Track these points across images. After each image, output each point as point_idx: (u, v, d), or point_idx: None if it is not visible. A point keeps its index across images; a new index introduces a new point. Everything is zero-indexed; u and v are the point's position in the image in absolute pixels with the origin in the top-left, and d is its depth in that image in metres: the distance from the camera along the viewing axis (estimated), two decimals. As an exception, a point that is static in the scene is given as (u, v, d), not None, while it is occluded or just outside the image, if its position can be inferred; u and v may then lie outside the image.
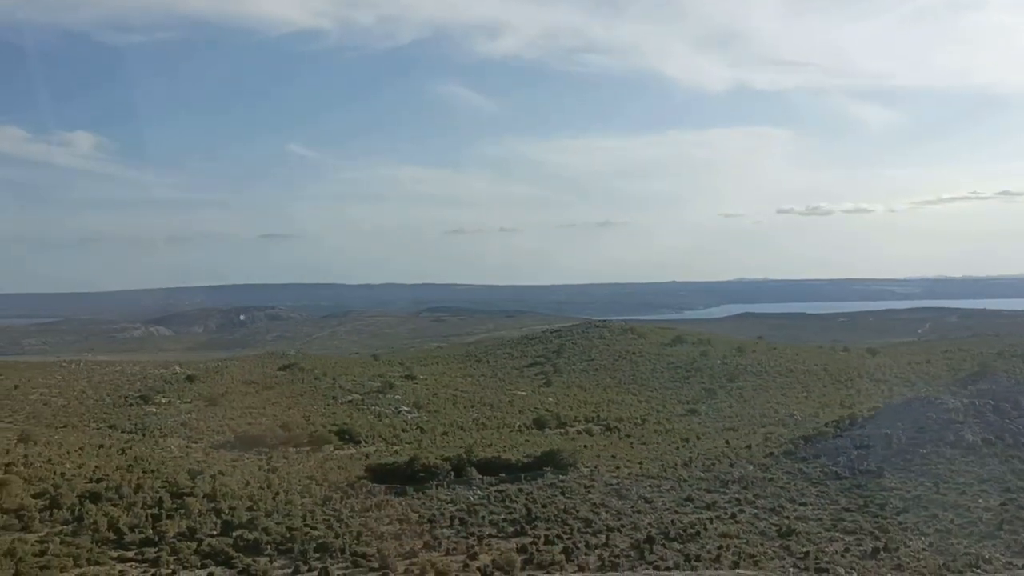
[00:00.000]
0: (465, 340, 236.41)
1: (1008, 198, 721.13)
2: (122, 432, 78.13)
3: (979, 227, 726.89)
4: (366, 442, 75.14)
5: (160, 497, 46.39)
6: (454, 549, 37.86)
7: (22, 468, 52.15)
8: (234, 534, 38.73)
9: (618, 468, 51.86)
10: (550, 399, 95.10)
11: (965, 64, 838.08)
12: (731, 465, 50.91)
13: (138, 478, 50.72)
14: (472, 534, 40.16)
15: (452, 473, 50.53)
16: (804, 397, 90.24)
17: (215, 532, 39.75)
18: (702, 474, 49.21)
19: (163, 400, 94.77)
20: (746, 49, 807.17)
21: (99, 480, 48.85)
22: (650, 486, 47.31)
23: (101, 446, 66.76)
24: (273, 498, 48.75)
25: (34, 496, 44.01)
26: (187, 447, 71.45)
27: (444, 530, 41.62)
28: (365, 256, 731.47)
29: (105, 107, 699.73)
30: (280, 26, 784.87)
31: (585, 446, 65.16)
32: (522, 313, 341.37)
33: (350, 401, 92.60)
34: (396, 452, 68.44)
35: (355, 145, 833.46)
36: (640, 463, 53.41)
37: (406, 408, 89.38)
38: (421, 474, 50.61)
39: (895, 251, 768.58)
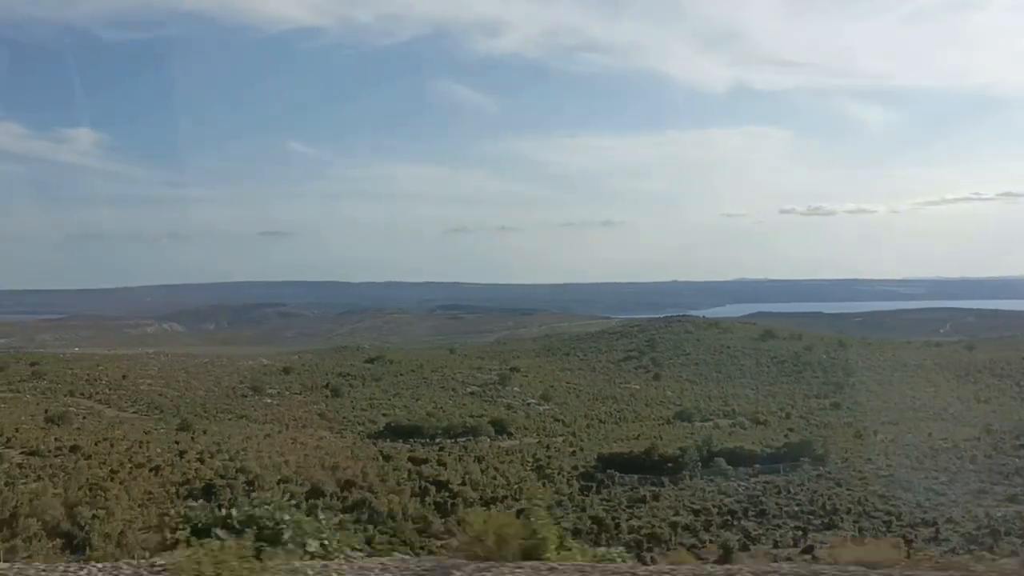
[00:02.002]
0: (486, 338, 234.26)
1: (1010, 199, 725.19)
2: (261, 423, 75.56)
3: (980, 228, 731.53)
4: (517, 434, 72.93)
5: (425, 487, 44.09)
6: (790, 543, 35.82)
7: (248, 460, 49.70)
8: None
9: (869, 460, 49.88)
10: (669, 392, 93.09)
11: (966, 64, 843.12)
12: (988, 456, 49.09)
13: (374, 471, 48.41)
14: (796, 527, 38.13)
15: (699, 464, 48.44)
16: (933, 392, 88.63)
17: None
18: (971, 466, 47.31)
19: (273, 391, 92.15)
20: (746, 49, 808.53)
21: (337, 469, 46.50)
22: (926, 477, 45.37)
23: (267, 436, 64.24)
24: (515, 484, 46.53)
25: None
26: (337, 438, 69.03)
27: (748, 522, 39.57)
28: (366, 254, 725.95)
29: (105, 104, 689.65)
30: (280, 23, 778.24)
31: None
32: (537, 311, 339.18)
33: (472, 393, 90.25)
34: (572, 444, 66.28)
35: (355, 143, 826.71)
36: (886, 455, 51.39)
37: (533, 400, 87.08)
38: (668, 464, 48.49)
39: (897, 251, 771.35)
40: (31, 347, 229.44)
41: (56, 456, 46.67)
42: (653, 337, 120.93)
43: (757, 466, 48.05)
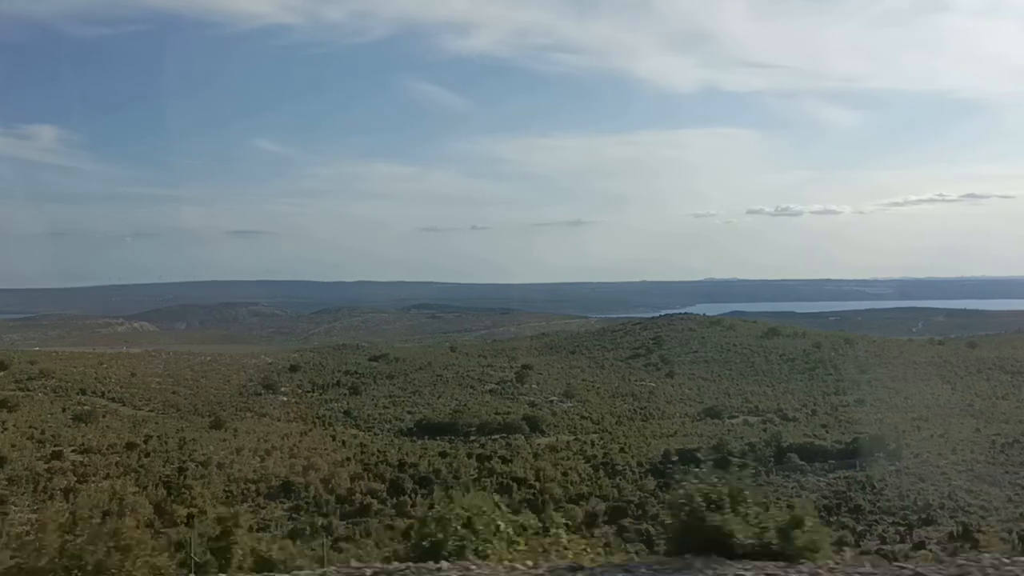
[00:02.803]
0: (468, 337, 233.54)
1: (973, 201, 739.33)
2: (286, 421, 73.82)
3: (945, 229, 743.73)
4: (549, 431, 71.93)
5: (506, 483, 42.88)
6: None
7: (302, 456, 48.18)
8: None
9: (940, 454, 49.55)
10: (687, 390, 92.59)
11: (931, 67, 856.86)
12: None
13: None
14: (894, 523, 37.55)
15: (772, 460, 47.77)
16: (950, 389, 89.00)
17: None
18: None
19: (285, 389, 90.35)
20: (716, 50, 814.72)
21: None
22: (1006, 472, 45.11)
23: (304, 433, 62.66)
24: (588, 481, 45.52)
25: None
26: (369, 436, 67.58)
27: (844, 518, 38.92)
28: (336, 253, 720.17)
29: (69, 100, 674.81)
30: (249, 20, 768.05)
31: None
32: (513, 311, 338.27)
33: (491, 391, 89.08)
34: (612, 441, 65.47)
35: (325, 141, 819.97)
36: (953, 451, 51.06)
37: (555, 398, 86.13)
38: (741, 460, 47.66)
39: (863, 252, 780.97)
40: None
41: (112, 454, 44.81)
42: (658, 335, 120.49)
43: (832, 462, 47.44)
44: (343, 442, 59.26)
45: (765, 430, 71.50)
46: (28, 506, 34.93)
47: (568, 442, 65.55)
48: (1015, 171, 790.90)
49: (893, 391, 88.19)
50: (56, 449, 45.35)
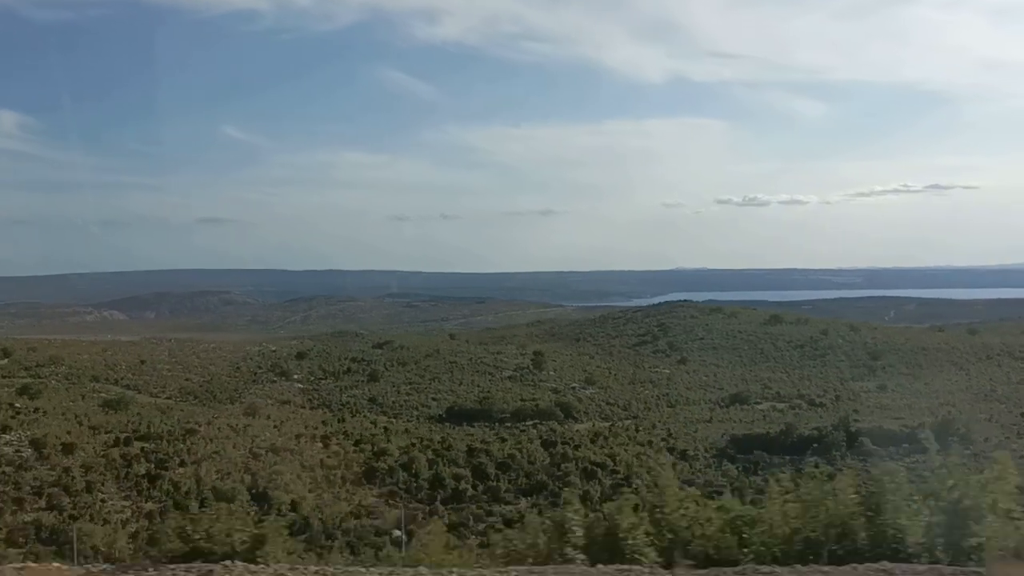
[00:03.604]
0: (447, 325, 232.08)
1: (937, 191, 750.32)
2: (311, 408, 72.30)
3: (909, 219, 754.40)
4: (582, 417, 71.15)
5: (590, 469, 41.90)
6: None
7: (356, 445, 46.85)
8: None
9: (1008, 438, 49.38)
10: (703, 376, 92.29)
11: (896, 59, 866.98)
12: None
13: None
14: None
15: (845, 444, 47.27)
16: (965, 375, 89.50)
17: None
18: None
19: (298, 376, 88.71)
20: (684, 40, 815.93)
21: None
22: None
23: (340, 420, 61.17)
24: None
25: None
26: (403, 423, 66.26)
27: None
28: (306, 242, 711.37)
29: (31, 86, 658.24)
30: (215, 6, 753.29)
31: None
32: (490, 300, 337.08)
33: (510, 377, 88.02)
34: (654, 426, 64.77)
35: (294, 129, 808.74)
36: (1019, 434, 50.93)
37: (577, 384, 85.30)
38: (814, 445, 47.20)
39: (830, 241, 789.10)
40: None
41: (176, 442, 43.04)
42: (662, 322, 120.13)
43: (905, 446, 46.92)
44: (385, 428, 57.80)
45: (797, 415, 71.38)
46: (117, 492, 33.25)
47: (609, 427, 64.65)
48: (978, 162, 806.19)
49: (911, 377, 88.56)
50: (113, 435, 43.49)
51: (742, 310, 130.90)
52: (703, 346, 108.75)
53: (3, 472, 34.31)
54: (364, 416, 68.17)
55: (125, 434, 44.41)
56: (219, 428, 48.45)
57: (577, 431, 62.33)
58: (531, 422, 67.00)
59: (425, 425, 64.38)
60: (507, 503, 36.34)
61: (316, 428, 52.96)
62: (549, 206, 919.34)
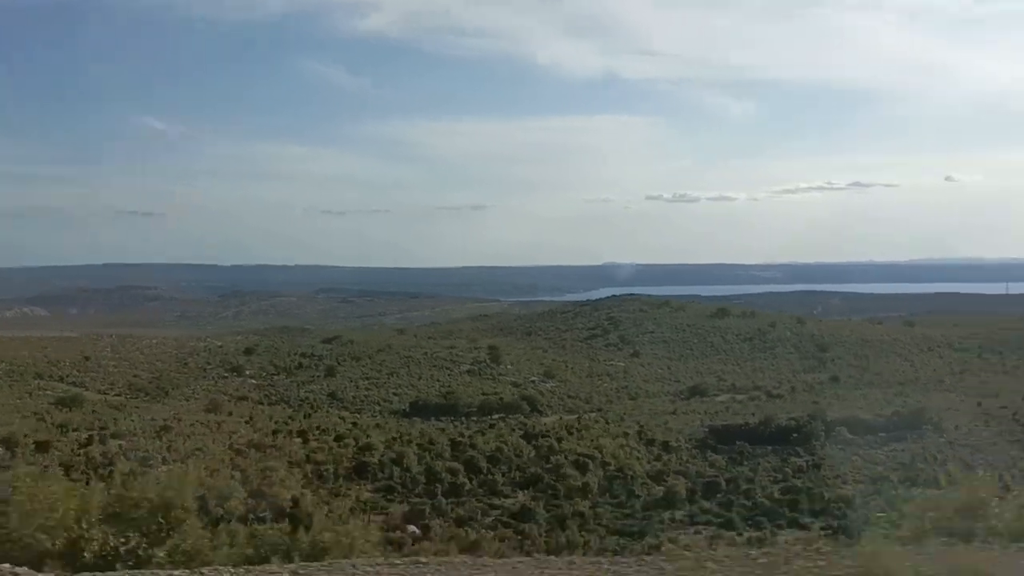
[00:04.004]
0: (386, 320, 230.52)
1: (859, 188, 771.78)
2: (270, 404, 70.58)
3: (832, 215, 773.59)
4: (546, 411, 70.85)
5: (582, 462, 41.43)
6: None
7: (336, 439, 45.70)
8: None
9: (977, 426, 50.42)
10: (658, 369, 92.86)
11: (820, 60, 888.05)
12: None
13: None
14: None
15: (823, 434, 47.70)
16: (910, 365, 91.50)
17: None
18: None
19: (251, 371, 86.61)
20: (615, 38, 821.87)
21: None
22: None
23: (309, 414, 59.71)
24: (657, 461, 44.53)
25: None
26: (371, 418, 65.06)
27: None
28: (233, 235, 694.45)
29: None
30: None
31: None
32: (424, 295, 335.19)
33: (468, 372, 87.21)
34: (619, 419, 64.67)
35: (220, 121, 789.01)
36: (986, 423, 51.95)
37: (536, 378, 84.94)
38: (793, 435, 47.51)
39: (756, 237, 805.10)
40: None
41: (153, 439, 41.30)
42: (611, 316, 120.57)
43: (882, 435, 47.66)
44: (354, 424, 56.59)
45: (759, 407, 72.09)
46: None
47: (577, 420, 64.38)
48: (898, 160, 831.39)
49: (860, 368, 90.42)
50: (84, 433, 41.55)
51: (689, 304, 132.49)
52: (654, 339, 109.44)
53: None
54: (326, 411, 66.77)
55: (92, 432, 42.48)
56: (191, 424, 46.73)
57: (546, 424, 61.96)
58: (497, 416, 66.48)
59: (392, 420, 63.29)
60: (506, 496, 35.70)
61: (288, 424, 51.47)
62: (479, 201, 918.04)
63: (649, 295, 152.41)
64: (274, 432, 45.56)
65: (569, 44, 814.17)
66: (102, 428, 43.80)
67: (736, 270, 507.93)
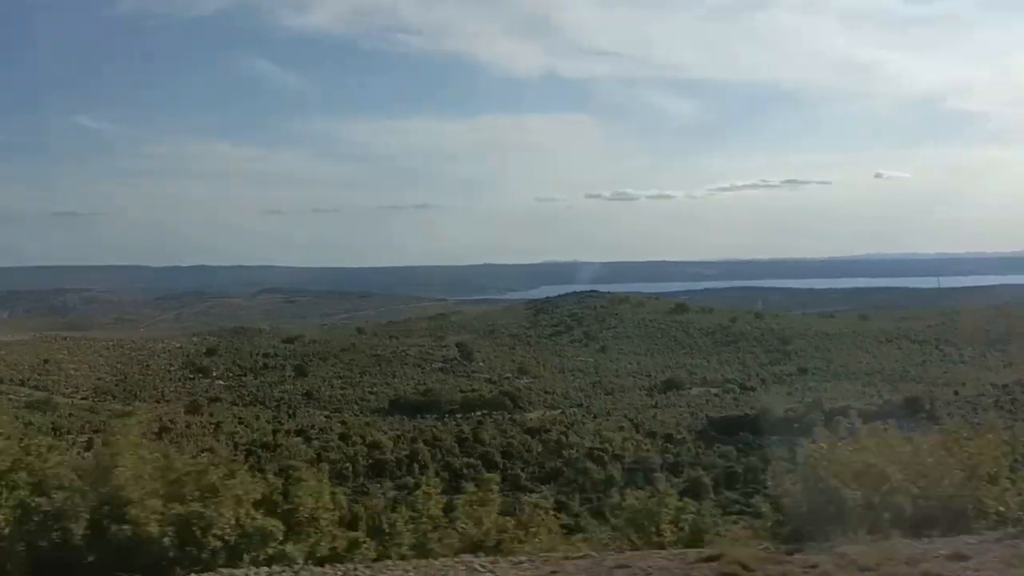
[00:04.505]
0: (330, 320, 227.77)
1: (793, 186, 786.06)
2: (244, 405, 69.01)
3: (767, 213, 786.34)
4: (529, 407, 70.57)
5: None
6: None
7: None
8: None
9: (975, 411, 51.45)
10: (627, 364, 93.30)
11: (757, 60, 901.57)
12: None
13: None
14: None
15: (824, 423, 48.07)
16: (871, 357, 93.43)
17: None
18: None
19: (217, 373, 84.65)
20: (558, 37, 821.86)
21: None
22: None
23: (289, 416, 58.43)
24: (662, 452, 44.53)
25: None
26: (354, 418, 64.04)
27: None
28: (170, 236, 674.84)
29: None
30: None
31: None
32: (373, 294, 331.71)
33: (441, 369, 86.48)
34: (606, 413, 64.75)
35: (157, 120, 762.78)
36: (974, 410, 53.13)
37: (510, 375, 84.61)
38: (795, 425, 47.82)
39: (694, 234, 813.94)
40: None
41: (157, 440, 39.81)
42: (573, 312, 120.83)
43: (879, 423, 48.19)
44: (342, 422, 55.62)
45: (735, 399, 72.96)
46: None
47: (562, 414, 64.38)
48: (832, 159, 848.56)
49: (823, 360, 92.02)
50: (84, 436, 39.94)
51: (647, 300, 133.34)
52: (618, 335, 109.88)
53: None
54: (306, 411, 65.54)
55: (87, 435, 40.86)
56: (187, 426, 45.28)
57: (533, 419, 61.65)
58: (481, 412, 65.99)
59: (376, 419, 62.32)
60: (531, 491, 35.22)
61: (280, 424, 50.27)
62: (426, 200, 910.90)
63: (606, 292, 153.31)
64: (274, 432, 44.35)
65: (513, 43, 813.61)
66: (95, 430, 42.09)
67: (674, 267, 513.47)
